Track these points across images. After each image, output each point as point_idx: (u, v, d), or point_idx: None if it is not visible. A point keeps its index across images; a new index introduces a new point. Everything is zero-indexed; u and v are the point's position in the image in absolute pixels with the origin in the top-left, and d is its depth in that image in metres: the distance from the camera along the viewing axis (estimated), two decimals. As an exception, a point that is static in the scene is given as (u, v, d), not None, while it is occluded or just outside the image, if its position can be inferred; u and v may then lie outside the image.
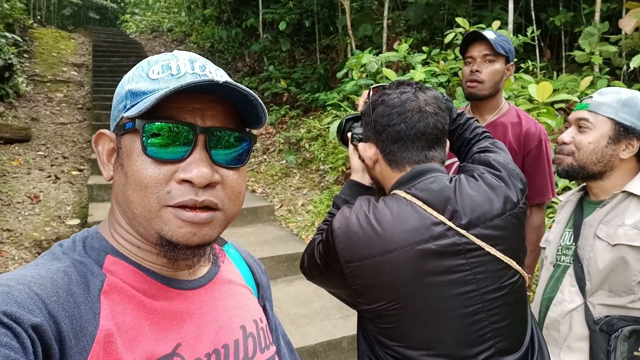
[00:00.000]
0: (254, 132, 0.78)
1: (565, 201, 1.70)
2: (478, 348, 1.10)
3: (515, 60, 4.52)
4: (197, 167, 0.67)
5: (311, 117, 7.03)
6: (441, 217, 1.10)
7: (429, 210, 1.11)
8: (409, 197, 1.14)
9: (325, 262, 1.20)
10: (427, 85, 1.27)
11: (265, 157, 6.86)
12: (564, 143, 1.55)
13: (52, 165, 6.02)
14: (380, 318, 1.14)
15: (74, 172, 5.94)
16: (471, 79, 2.03)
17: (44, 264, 0.67)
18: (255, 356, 0.80)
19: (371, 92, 1.31)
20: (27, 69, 8.75)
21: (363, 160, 1.36)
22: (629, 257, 1.39)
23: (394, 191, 1.19)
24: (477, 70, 2.01)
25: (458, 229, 1.09)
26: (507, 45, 2.02)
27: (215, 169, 0.70)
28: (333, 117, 5.76)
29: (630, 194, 1.45)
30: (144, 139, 0.67)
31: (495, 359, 1.11)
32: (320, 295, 3.61)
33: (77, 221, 4.80)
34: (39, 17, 15.70)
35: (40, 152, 6.32)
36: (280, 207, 5.46)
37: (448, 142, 1.29)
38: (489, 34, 2.04)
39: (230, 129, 0.72)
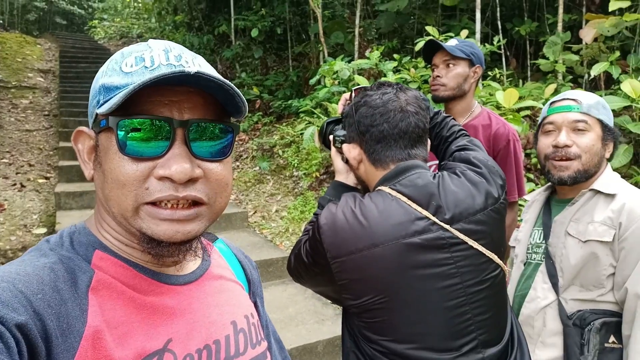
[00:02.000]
0: (237, 121, 0.76)
1: (532, 200, 1.75)
2: (461, 340, 1.12)
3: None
4: (176, 162, 0.65)
5: (284, 124, 7.04)
6: (425, 212, 1.13)
7: (414, 205, 1.13)
8: (393, 192, 1.16)
9: (312, 260, 1.21)
10: (407, 86, 1.31)
11: (238, 163, 6.83)
12: (567, 146, 1.51)
13: (17, 173, 5.84)
14: (367, 312, 1.15)
15: (41, 180, 5.78)
16: (433, 83, 2.15)
17: (30, 260, 0.65)
18: (247, 352, 0.79)
19: (353, 94, 1.34)
20: (-10, 75, 8.48)
21: (346, 162, 1.38)
22: (599, 252, 1.44)
23: (379, 187, 1.21)
24: (438, 76, 2.12)
25: (442, 223, 1.12)
26: (468, 49, 2.10)
27: (197, 163, 0.68)
28: (306, 124, 5.78)
29: (598, 192, 1.51)
30: (119, 136, 0.65)
31: (478, 351, 1.13)
32: (295, 301, 3.61)
33: (44, 230, 4.67)
34: (1, 21, 15.25)
35: (4, 160, 6.12)
36: (254, 213, 5.44)
37: (429, 141, 1.32)
38: (451, 41, 2.15)
39: (209, 120, 0.69)
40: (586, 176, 1.52)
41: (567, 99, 1.57)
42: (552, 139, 1.55)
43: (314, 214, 1.36)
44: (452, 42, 2.13)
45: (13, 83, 8.52)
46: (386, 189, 1.18)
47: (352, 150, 1.29)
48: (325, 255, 1.15)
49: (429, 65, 2.21)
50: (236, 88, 0.68)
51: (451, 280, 1.11)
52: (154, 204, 0.66)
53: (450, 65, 2.09)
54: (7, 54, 9.68)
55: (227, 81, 0.67)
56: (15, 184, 5.52)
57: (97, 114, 0.68)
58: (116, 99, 0.63)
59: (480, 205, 1.17)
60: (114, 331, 0.64)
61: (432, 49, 2.16)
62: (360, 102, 1.27)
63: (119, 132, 0.65)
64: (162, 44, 0.71)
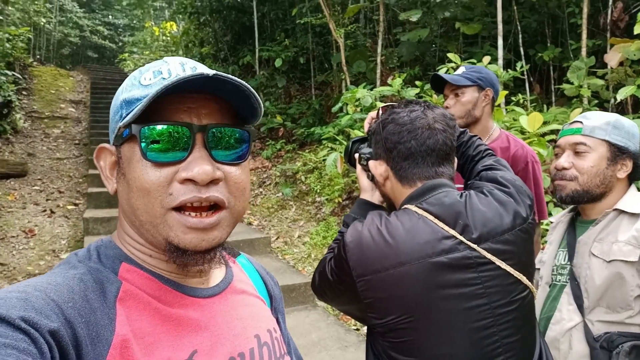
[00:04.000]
0: (253, 127, 0.77)
1: (557, 222, 1.73)
2: None
3: (506, 92, 4.60)
4: (197, 164, 0.66)
5: (307, 151, 7.11)
6: (452, 231, 1.11)
7: (440, 224, 1.12)
8: (420, 211, 1.15)
9: (337, 277, 1.20)
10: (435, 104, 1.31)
11: (261, 189, 6.89)
12: (564, 168, 1.55)
13: (47, 200, 6.02)
14: (392, 332, 1.13)
15: (70, 207, 5.93)
16: None
17: (59, 272, 0.67)
18: None
19: (380, 111, 1.34)
20: (26, 106, 8.85)
21: (372, 179, 1.38)
22: (624, 272, 1.41)
23: (406, 205, 1.20)
24: (447, 106, 2.14)
25: (469, 242, 1.10)
26: (475, 75, 2.12)
27: (217, 166, 0.69)
28: (329, 150, 5.82)
29: (622, 212, 1.49)
30: (142, 143, 0.66)
31: None
32: (318, 327, 3.56)
33: (71, 255, 4.77)
34: (38, 56, 15.98)
35: (35, 187, 6.32)
36: (277, 239, 5.45)
37: (456, 160, 1.31)
38: (458, 70, 2.18)
39: (227, 124, 0.71)
40: (588, 196, 1.53)
41: (576, 121, 1.60)
42: (556, 162, 1.60)
43: (339, 232, 1.35)
44: (459, 71, 2.16)
45: (46, 113, 8.88)
46: (413, 207, 1.18)
47: (378, 167, 1.29)
48: (351, 273, 1.14)
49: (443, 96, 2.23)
50: (252, 89, 0.70)
51: (478, 301, 1.09)
52: (179, 211, 0.67)
53: (457, 94, 2.12)
54: (42, 87, 10.12)
55: (244, 82, 0.68)
56: (45, 210, 5.68)
57: (119, 127, 0.70)
58: (139, 106, 0.66)
59: (508, 225, 1.15)
60: (140, 341, 0.65)
61: (441, 81, 2.19)
62: (388, 119, 1.27)
63: (141, 140, 0.66)
64: (178, 59, 0.74)
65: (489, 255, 1.11)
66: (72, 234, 5.23)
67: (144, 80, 0.71)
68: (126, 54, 17.15)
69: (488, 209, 1.15)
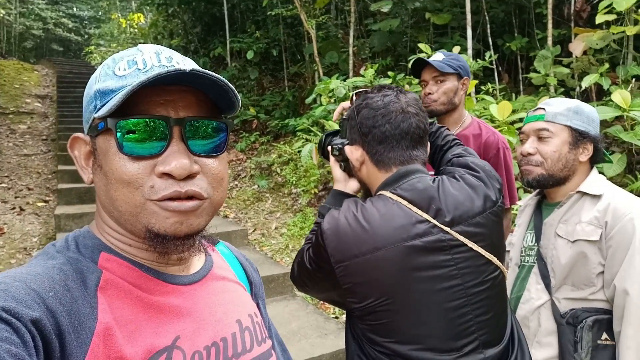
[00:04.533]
0: (230, 118, 0.78)
1: (525, 205, 1.80)
2: (463, 341, 1.13)
3: (476, 82, 4.69)
4: (175, 159, 0.66)
5: (282, 143, 7.11)
6: (426, 215, 1.15)
7: (414, 209, 1.16)
8: (394, 197, 1.19)
9: (316, 265, 1.23)
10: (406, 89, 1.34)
11: (236, 182, 6.86)
12: (529, 154, 1.62)
13: (16, 197, 5.86)
14: (370, 315, 1.17)
15: (40, 204, 5.79)
16: (426, 100, 2.20)
17: (38, 262, 0.67)
18: (254, 349, 0.80)
19: (354, 97, 1.36)
20: (-12, 101, 8.55)
21: (344, 170, 1.42)
22: (587, 251, 1.49)
23: (380, 192, 1.24)
24: (430, 92, 2.17)
25: (442, 226, 1.14)
26: (456, 63, 2.16)
27: (194, 159, 0.69)
28: (303, 142, 5.84)
29: (584, 194, 1.57)
30: (118, 137, 0.66)
31: (479, 351, 1.15)
32: (297, 316, 3.61)
33: (44, 253, 4.67)
34: (-1, 50, 15.41)
35: (3, 184, 6.14)
36: (254, 231, 5.45)
37: (429, 144, 1.34)
38: (437, 56, 2.20)
39: (204, 117, 0.71)
40: (553, 180, 1.60)
41: (539, 108, 1.66)
42: (522, 148, 1.66)
43: (315, 222, 1.38)
44: (438, 57, 2.18)
45: (11, 109, 8.59)
46: (387, 193, 1.21)
47: (354, 152, 1.31)
48: (329, 260, 1.16)
49: (419, 82, 2.26)
50: (230, 84, 0.70)
51: (452, 282, 1.13)
52: (159, 201, 0.67)
53: (440, 81, 2.15)
54: (5, 81, 9.78)
55: (221, 77, 0.68)
56: (14, 208, 5.53)
57: (94, 118, 0.69)
58: (114, 100, 0.65)
59: (479, 208, 1.19)
60: (123, 328, 0.65)
61: (420, 66, 2.21)
62: (362, 104, 1.29)
63: (117, 133, 0.66)
64: (153, 47, 0.73)
65: (461, 238, 1.14)
66: (44, 232, 5.12)
67: (118, 71, 0.70)
68: (92, 47, 16.70)
69: (460, 193, 1.19)
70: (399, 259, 1.12)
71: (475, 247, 1.16)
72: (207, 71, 0.67)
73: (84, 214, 4.91)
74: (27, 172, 6.63)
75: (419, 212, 1.15)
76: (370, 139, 1.26)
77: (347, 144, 1.35)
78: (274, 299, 3.92)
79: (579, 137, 1.59)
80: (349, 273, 1.15)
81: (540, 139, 1.61)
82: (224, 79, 0.69)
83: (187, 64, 0.73)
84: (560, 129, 1.59)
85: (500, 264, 1.22)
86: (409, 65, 5.36)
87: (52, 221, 5.12)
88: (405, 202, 1.17)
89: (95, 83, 0.72)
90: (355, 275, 1.15)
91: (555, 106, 1.62)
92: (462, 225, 1.16)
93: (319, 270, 1.23)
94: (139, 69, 0.69)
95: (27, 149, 7.44)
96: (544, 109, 1.64)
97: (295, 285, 1.38)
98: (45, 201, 5.89)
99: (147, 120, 0.67)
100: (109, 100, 0.67)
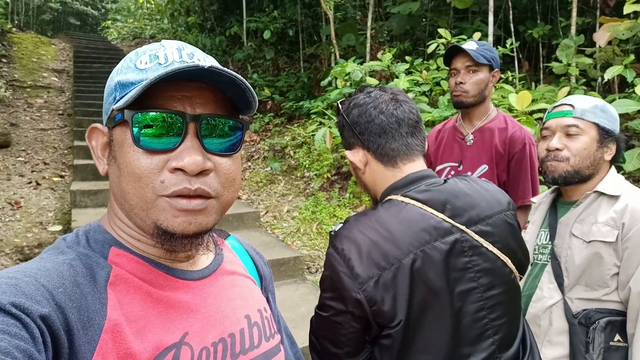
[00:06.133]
0: (246, 118, 0.77)
1: (539, 202, 1.78)
2: (479, 345, 1.10)
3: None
4: (188, 154, 0.66)
5: (295, 125, 7.08)
6: (442, 216, 1.11)
7: (430, 210, 1.12)
8: (406, 199, 1.14)
9: (338, 303, 1.10)
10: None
11: (249, 164, 6.88)
12: (557, 149, 1.58)
13: (32, 172, 5.94)
14: (390, 337, 1.09)
15: (55, 179, 5.87)
16: (456, 89, 2.13)
17: (48, 258, 0.67)
18: (261, 344, 0.81)
19: (340, 106, 1.30)
20: (6, 74, 8.61)
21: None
22: (603, 252, 1.47)
23: (389, 197, 1.18)
24: (462, 82, 2.10)
25: (460, 226, 1.11)
26: (489, 54, 2.10)
27: (208, 156, 0.69)
28: (318, 125, 5.81)
29: (602, 194, 1.55)
30: (134, 129, 0.66)
31: (496, 356, 1.12)
32: (307, 300, 3.64)
33: (59, 227, 4.75)
34: (17, 22, 15.48)
35: (20, 158, 6.22)
36: (266, 213, 5.48)
37: (425, 132, 1.29)
38: (470, 44, 2.12)
39: (220, 115, 0.71)
40: (579, 177, 1.57)
41: (564, 104, 1.62)
42: (547, 144, 1.62)
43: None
44: (471, 46, 2.11)
45: (28, 82, 8.66)
46: (398, 197, 1.16)
47: (356, 155, 1.25)
48: (353, 286, 1.06)
49: (443, 68, 2.20)
50: (248, 83, 0.70)
51: (470, 284, 1.10)
52: (169, 197, 0.67)
53: (473, 71, 2.09)
54: (22, 54, 9.84)
55: (239, 76, 0.68)
56: (30, 182, 5.61)
57: (112, 109, 0.70)
58: (132, 92, 0.65)
59: (493, 209, 1.17)
60: (132, 325, 0.65)
61: (453, 53, 2.14)
62: (349, 107, 1.25)
63: (133, 126, 0.66)
64: (175, 43, 0.73)
65: (478, 238, 1.12)
66: (59, 207, 5.20)
67: (140, 64, 0.70)
68: (109, 22, 16.69)
69: (473, 194, 1.17)
70: (425, 263, 1.07)
71: (491, 247, 1.13)
72: (225, 69, 0.67)
73: (99, 190, 4.97)
74: (43, 147, 6.71)
75: (435, 212, 1.11)
76: (368, 136, 1.21)
77: (346, 150, 1.28)
78: (284, 282, 3.95)
79: (605, 135, 1.56)
80: (376, 292, 1.06)
81: (568, 135, 1.58)
82: (242, 78, 0.69)
83: (208, 61, 0.73)
84: (589, 126, 1.56)
85: (514, 267, 1.18)
86: (428, 50, 5.27)
87: (68, 196, 5.19)
88: (419, 204, 1.12)
89: (116, 75, 0.73)
90: (383, 289, 1.06)
91: (583, 103, 1.59)
92: (479, 225, 1.13)
93: (341, 313, 1.10)
94: (159, 64, 0.69)
95: (44, 123, 7.51)
96: (571, 105, 1.60)
97: (319, 357, 1.21)
98: (61, 176, 5.96)
99: (163, 115, 0.67)
100: (127, 92, 0.68)
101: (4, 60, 9.09)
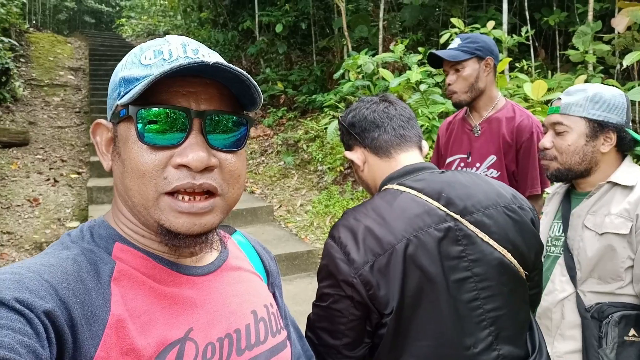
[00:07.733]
0: (250, 114, 0.77)
1: (553, 193, 1.75)
2: (476, 336, 1.10)
3: (509, 59, 4.51)
4: (192, 151, 0.66)
5: (309, 119, 7.08)
6: (437, 204, 1.12)
7: (425, 198, 1.13)
8: (402, 188, 1.16)
9: (333, 291, 1.11)
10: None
11: (263, 158, 6.90)
12: (546, 148, 1.58)
13: (50, 169, 6.05)
14: (385, 327, 1.09)
15: (73, 175, 5.97)
16: (448, 91, 2.15)
17: (53, 253, 0.67)
18: (268, 340, 0.80)
19: (340, 119, 1.38)
20: (24, 73, 8.76)
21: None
22: (616, 244, 1.43)
23: (386, 186, 1.20)
24: (449, 84, 2.11)
25: (454, 214, 1.11)
26: (472, 46, 2.06)
27: (212, 152, 0.69)
28: (330, 118, 5.80)
29: (615, 184, 1.50)
30: (138, 125, 0.66)
31: (493, 348, 1.11)
32: (320, 294, 3.64)
33: (76, 223, 4.83)
34: (34, 22, 15.72)
35: (38, 156, 6.34)
36: (279, 207, 5.49)
37: (419, 128, 1.33)
38: (453, 43, 2.11)
39: (225, 111, 0.70)
40: (572, 173, 1.55)
41: (558, 99, 1.60)
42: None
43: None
44: (454, 44, 2.11)
45: (45, 81, 8.80)
46: (394, 186, 1.17)
47: (354, 154, 1.30)
48: (349, 272, 1.07)
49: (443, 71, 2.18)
50: (252, 79, 0.69)
51: (464, 273, 1.10)
52: (172, 195, 0.67)
53: (459, 68, 2.07)
54: (40, 53, 9.99)
55: (244, 72, 0.68)
56: (48, 179, 5.71)
57: (117, 105, 0.70)
58: (137, 88, 0.65)
59: (492, 200, 1.15)
60: (136, 320, 0.65)
61: (438, 57, 2.13)
62: (347, 115, 1.32)
63: (138, 121, 0.66)
64: (180, 38, 0.73)
65: (472, 227, 1.11)
66: (77, 203, 5.28)
67: (144, 60, 0.70)
68: (124, 19, 16.83)
69: (471, 185, 1.17)
70: (419, 249, 1.08)
71: (486, 238, 1.12)
72: (230, 65, 0.66)
73: (115, 186, 5.03)
74: (60, 144, 6.82)
75: (430, 200, 1.12)
76: (362, 132, 1.27)
77: (346, 151, 1.34)
78: (297, 275, 3.96)
79: (597, 127, 1.51)
80: (371, 276, 1.06)
81: (557, 133, 1.56)
82: (246, 74, 0.68)
83: (213, 57, 0.73)
84: (575, 122, 1.53)
85: (513, 259, 1.15)
86: (441, 40, 5.20)
87: (85, 193, 5.27)
88: (414, 192, 1.14)
89: (121, 70, 0.73)
90: (378, 275, 1.07)
91: (572, 96, 1.55)
92: (474, 215, 1.13)
93: (340, 299, 1.10)
94: (164, 59, 0.69)
95: (61, 121, 7.63)
96: (560, 99, 1.58)
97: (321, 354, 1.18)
98: (79, 173, 6.06)
99: (167, 111, 0.66)
100: (132, 88, 0.68)
101: (21, 59, 9.25)
